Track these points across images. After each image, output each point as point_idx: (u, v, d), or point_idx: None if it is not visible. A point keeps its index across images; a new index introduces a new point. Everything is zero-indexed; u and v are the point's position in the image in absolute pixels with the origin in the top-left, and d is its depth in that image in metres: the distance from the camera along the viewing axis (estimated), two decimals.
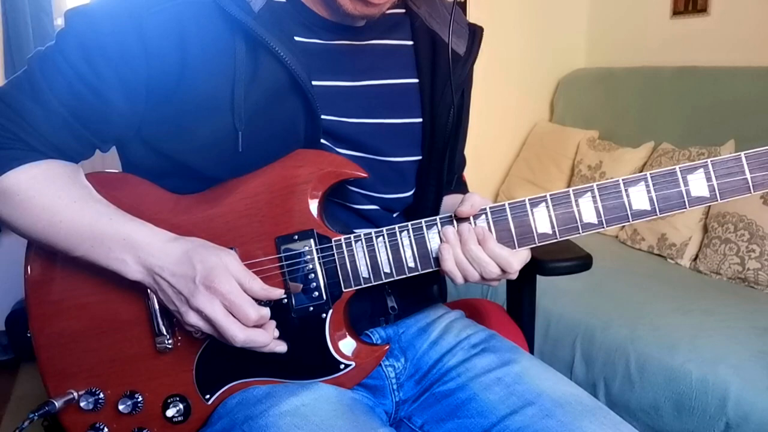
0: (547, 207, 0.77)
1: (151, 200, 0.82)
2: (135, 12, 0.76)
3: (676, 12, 2.63)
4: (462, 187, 1.12)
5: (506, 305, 1.25)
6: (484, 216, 0.78)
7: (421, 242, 0.79)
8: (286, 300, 0.79)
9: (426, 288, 1.02)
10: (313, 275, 0.79)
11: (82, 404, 0.81)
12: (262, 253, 0.79)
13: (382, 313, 0.92)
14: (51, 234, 0.77)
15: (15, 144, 0.77)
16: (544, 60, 3.02)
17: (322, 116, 0.82)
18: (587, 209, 0.76)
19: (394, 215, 0.94)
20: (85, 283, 0.81)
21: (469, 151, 1.08)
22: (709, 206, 2.10)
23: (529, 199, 0.77)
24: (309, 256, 0.79)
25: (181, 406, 0.81)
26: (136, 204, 0.81)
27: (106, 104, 0.78)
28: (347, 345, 0.82)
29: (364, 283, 0.80)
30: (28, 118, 0.76)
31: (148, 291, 0.78)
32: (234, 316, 0.74)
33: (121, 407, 0.81)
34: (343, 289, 0.80)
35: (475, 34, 0.94)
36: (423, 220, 0.79)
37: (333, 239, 0.79)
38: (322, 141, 0.83)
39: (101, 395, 0.81)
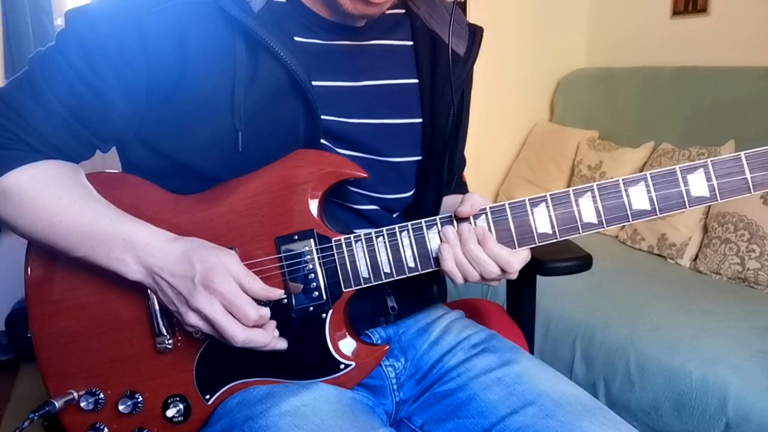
0: (547, 207, 0.77)
1: (151, 200, 0.82)
2: (135, 12, 0.76)
3: (676, 12, 2.63)
4: (462, 188, 1.12)
5: (506, 305, 1.25)
6: (484, 216, 0.78)
7: (421, 242, 0.79)
8: (286, 300, 0.79)
9: (426, 288, 1.02)
10: (313, 275, 0.79)
11: (82, 404, 0.81)
12: (262, 253, 0.79)
13: (382, 313, 0.92)
14: (51, 234, 0.77)
15: (15, 144, 0.77)
16: (544, 60, 3.02)
17: (322, 116, 0.82)
18: (587, 209, 0.76)
19: (394, 215, 0.94)
20: (85, 283, 0.81)
21: (469, 151, 1.08)
22: (709, 206, 2.10)
23: (529, 199, 0.77)
24: (309, 256, 0.79)
25: (181, 406, 0.81)
26: (136, 204, 0.81)
27: (106, 104, 0.78)
28: (347, 345, 0.82)
29: (364, 283, 0.80)
30: (28, 118, 0.76)
31: (149, 291, 0.78)
32: (234, 316, 0.74)
33: (121, 407, 0.81)
34: (343, 289, 0.80)
35: (475, 34, 0.94)
36: (423, 220, 0.79)
37: (333, 239, 0.79)
38: (322, 141, 0.83)
39: (101, 395, 0.81)
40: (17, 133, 0.76)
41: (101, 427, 0.82)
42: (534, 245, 0.78)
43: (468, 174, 1.17)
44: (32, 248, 0.83)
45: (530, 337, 1.19)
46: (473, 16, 2.69)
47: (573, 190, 0.76)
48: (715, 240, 2.05)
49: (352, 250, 0.79)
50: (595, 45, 3.04)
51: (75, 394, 0.81)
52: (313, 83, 0.80)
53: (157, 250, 0.75)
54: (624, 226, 1.84)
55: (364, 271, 0.79)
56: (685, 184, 0.75)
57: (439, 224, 0.79)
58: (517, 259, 0.78)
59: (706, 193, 0.75)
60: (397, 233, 0.79)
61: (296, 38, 0.82)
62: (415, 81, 0.92)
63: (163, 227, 0.78)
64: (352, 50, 0.87)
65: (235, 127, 0.78)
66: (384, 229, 0.79)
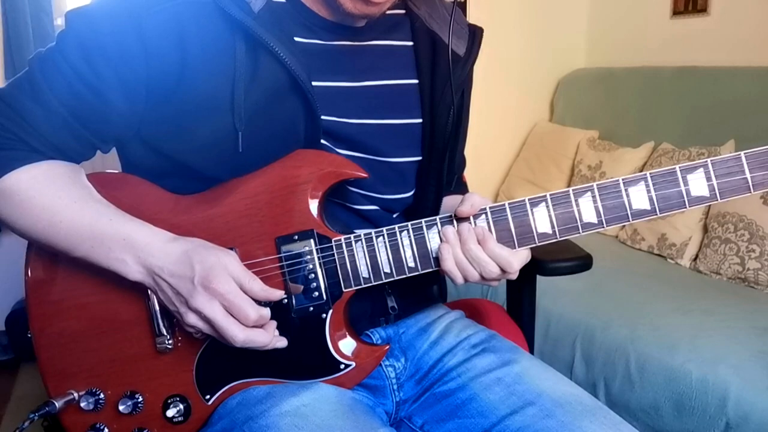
0: (547, 207, 0.77)
1: (151, 200, 0.82)
2: (135, 12, 0.76)
3: (676, 12, 2.63)
4: (462, 188, 1.12)
5: (506, 305, 1.25)
6: (484, 216, 0.78)
7: (421, 242, 0.79)
8: (286, 300, 0.79)
9: (426, 288, 1.02)
10: (313, 275, 0.79)
11: (82, 404, 0.81)
12: (262, 253, 0.79)
13: (382, 313, 0.92)
14: (51, 234, 0.77)
15: (16, 145, 0.77)
16: (544, 60, 3.02)
17: (322, 116, 0.82)
18: (587, 209, 0.76)
19: (394, 216, 0.94)
20: (86, 283, 0.81)
21: (469, 151, 1.08)
22: (709, 206, 2.10)
23: (529, 199, 0.77)
24: (309, 256, 0.79)
25: (181, 406, 0.81)
26: (136, 204, 0.81)
27: (105, 104, 0.78)
28: (347, 345, 0.82)
29: (364, 283, 0.80)
30: (28, 118, 0.76)
31: (149, 291, 0.78)
32: (233, 317, 0.74)
33: (121, 407, 0.80)
34: (343, 289, 0.80)
35: (475, 34, 0.94)
36: (423, 220, 0.79)
37: (333, 239, 0.79)
38: (322, 141, 0.83)
39: (101, 395, 0.81)
40: (17, 133, 0.76)
41: (101, 427, 0.82)
42: (534, 245, 0.78)
43: (468, 174, 1.17)
44: (32, 248, 0.83)
45: (530, 337, 1.19)
46: (473, 16, 2.69)
47: (573, 190, 0.76)
48: (715, 240, 2.05)
49: (352, 250, 0.79)
50: (595, 45, 3.04)
51: (75, 394, 0.81)
52: (313, 83, 0.80)
53: (157, 250, 0.75)
54: (624, 226, 1.84)
55: (364, 271, 0.79)
56: (685, 183, 0.75)
57: (439, 224, 0.79)
58: (517, 259, 0.78)
59: (706, 192, 0.75)
60: (397, 233, 0.79)
61: (296, 38, 0.82)
62: (415, 81, 0.92)
63: (163, 227, 0.78)
64: (352, 50, 0.87)
65: (235, 127, 0.78)
66: (384, 229, 0.79)
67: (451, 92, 0.89)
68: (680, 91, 2.45)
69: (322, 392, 0.79)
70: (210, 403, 0.81)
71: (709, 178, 0.74)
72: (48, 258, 0.82)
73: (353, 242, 0.79)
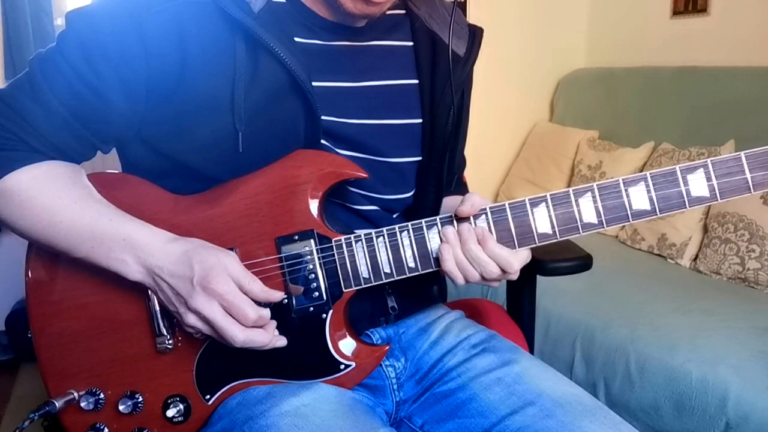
0: (547, 207, 0.77)
1: (151, 200, 0.82)
2: (135, 12, 0.76)
3: (676, 12, 2.63)
4: (462, 188, 1.12)
5: (506, 305, 1.25)
6: (484, 216, 0.78)
7: (421, 242, 0.79)
8: (286, 300, 0.79)
9: (426, 288, 1.02)
10: (313, 275, 0.79)
11: (82, 404, 0.81)
12: (262, 253, 0.79)
13: (382, 313, 0.92)
14: (51, 234, 0.77)
15: (16, 145, 0.77)
16: (544, 60, 3.02)
17: (322, 117, 0.82)
18: (587, 209, 0.76)
19: (394, 216, 0.94)
20: (86, 283, 0.81)
21: (469, 151, 1.08)
22: (709, 206, 2.10)
23: (529, 199, 0.77)
24: (309, 257, 0.79)
25: (181, 406, 0.81)
26: (136, 204, 0.81)
27: (106, 104, 0.78)
28: (347, 345, 0.82)
29: (365, 283, 0.80)
30: (28, 118, 0.76)
31: (149, 291, 0.78)
32: (233, 317, 0.74)
33: (121, 407, 0.81)
34: (344, 289, 0.80)
35: (475, 35, 0.94)
36: (423, 220, 0.79)
37: (333, 239, 0.79)
38: (322, 141, 0.83)
39: (101, 395, 0.81)
40: (18, 133, 0.76)
41: (101, 427, 0.82)
42: (534, 245, 0.78)
43: (468, 174, 1.17)
44: (33, 248, 0.83)
45: (530, 337, 1.19)
46: (473, 16, 2.69)
47: (573, 190, 0.76)
48: (715, 240, 2.05)
49: (352, 250, 0.79)
50: (595, 45, 3.04)
51: (75, 394, 0.81)
52: (313, 83, 0.80)
53: (157, 251, 0.75)
54: (624, 226, 1.84)
55: (364, 271, 0.79)
56: (685, 184, 0.75)
57: (439, 224, 0.79)
58: (517, 259, 0.78)
59: (706, 193, 0.75)
60: (398, 233, 0.79)
61: (296, 39, 0.82)
62: (415, 81, 0.92)
63: (163, 227, 0.78)
64: (352, 50, 0.87)
65: (235, 127, 0.78)
66: (384, 229, 0.79)
67: (451, 92, 0.89)
68: (680, 91, 2.45)
69: (322, 392, 0.79)
70: (210, 403, 0.81)
71: (709, 179, 0.74)
72: (48, 258, 0.82)
73: (353, 242, 0.79)
